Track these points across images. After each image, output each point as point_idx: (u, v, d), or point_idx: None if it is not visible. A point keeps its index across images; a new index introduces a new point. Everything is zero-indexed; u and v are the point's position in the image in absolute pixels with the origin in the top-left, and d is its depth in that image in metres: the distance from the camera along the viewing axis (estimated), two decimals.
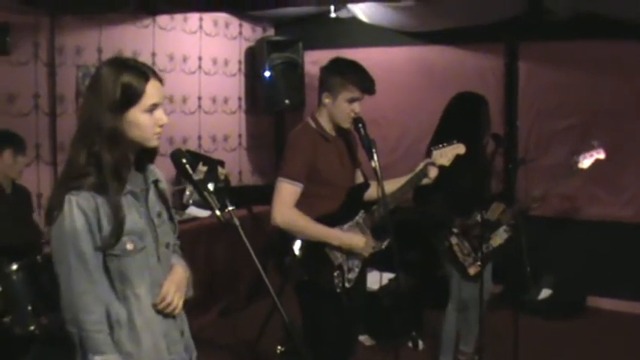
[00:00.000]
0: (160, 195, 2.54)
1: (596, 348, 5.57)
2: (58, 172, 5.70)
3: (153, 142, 2.40)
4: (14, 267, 3.98)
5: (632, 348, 5.57)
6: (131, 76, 2.32)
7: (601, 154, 4.51)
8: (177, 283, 2.53)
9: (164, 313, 2.48)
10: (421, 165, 3.86)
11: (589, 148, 4.52)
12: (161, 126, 2.39)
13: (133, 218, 2.38)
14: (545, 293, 6.45)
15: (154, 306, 2.44)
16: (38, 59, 5.56)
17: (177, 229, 2.66)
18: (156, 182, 2.54)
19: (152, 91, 2.35)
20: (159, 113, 2.38)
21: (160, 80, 2.42)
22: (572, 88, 6.54)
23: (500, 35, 6.82)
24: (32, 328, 3.95)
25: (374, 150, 3.42)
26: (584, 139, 6.40)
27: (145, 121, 2.35)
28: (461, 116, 4.63)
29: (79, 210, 2.26)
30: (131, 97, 2.31)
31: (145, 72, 2.36)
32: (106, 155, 2.30)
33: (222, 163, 6.92)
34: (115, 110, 2.30)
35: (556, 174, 4.73)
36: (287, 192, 3.58)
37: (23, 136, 4.75)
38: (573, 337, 5.83)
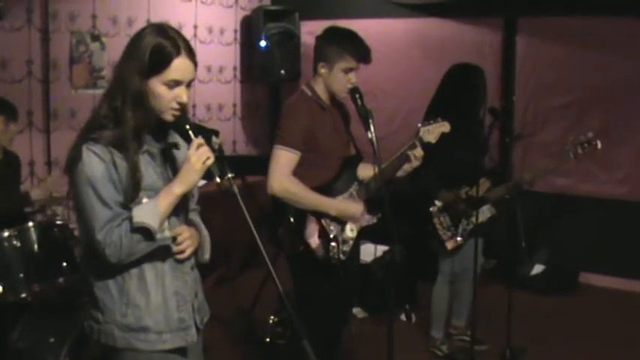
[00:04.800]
0: (179, 158, 2.53)
1: (587, 324, 5.59)
2: (51, 139, 5.68)
3: (166, 117, 2.41)
4: (6, 234, 3.94)
5: (623, 325, 5.59)
6: (163, 45, 2.34)
7: (597, 146, 4.47)
8: (193, 233, 2.56)
9: (176, 272, 2.51)
10: (406, 145, 3.77)
11: (585, 139, 4.46)
12: (180, 104, 2.38)
13: (150, 176, 2.41)
14: (537, 269, 6.46)
15: (174, 240, 2.45)
16: (32, 25, 5.50)
17: (197, 193, 2.68)
18: (175, 145, 2.54)
19: (178, 66, 2.35)
20: (180, 91, 2.38)
21: (194, 61, 2.41)
22: (570, 64, 6.50)
23: (498, 9, 6.76)
24: (24, 295, 3.92)
25: (371, 121, 3.36)
26: (582, 116, 6.42)
27: (161, 93, 2.36)
28: (456, 88, 4.61)
29: (98, 158, 2.29)
30: (156, 65, 2.33)
31: (178, 46, 2.36)
32: (129, 114, 2.34)
33: (216, 133, 6.88)
34: (141, 73, 2.33)
35: (549, 162, 4.70)
36: (284, 160, 3.55)
37: (16, 102, 4.69)
38: (565, 313, 5.84)
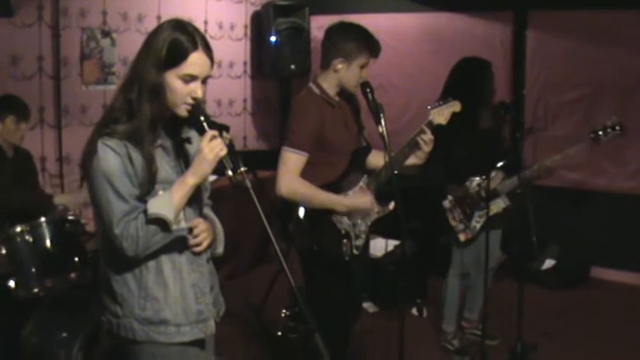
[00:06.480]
0: (191, 152, 2.54)
1: (599, 319, 5.58)
2: (62, 135, 5.70)
3: (180, 111, 2.41)
4: (18, 229, 3.96)
5: (634, 319, 5.57)
6: (180, 40, 2.36)
7: (617, 130, 4.42)
8: (208, 225, 2.57)
9: (193, 265, 2.52)
10: (416, 131, 3.76)
11: (608, 124, 4.41)
12: (195, 99, 2.39)
13: (164, 169, 2.42)
14: (548, 263, 6.44)
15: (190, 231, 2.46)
16: (42, 21, 5.52)
17: (209, 188, 2.69)
18: (188, 139, 2.56)
19: (194, 61, 2.37)
20: (195, 85, 2.39)
21: (210, 57, 2.44)
22: (581, 58, 6.47)
23: (509, 3, 6.74)
24: (36, 290, 3.93)
25: (381, 115, 3.36)
26: (592, 110, 6.39)
27: (176, 87, 2.37)
28: (461, 81, 4.61)
29: (113, 152, 2.31)
30: (173, 58, 2.35)
31: (195, 41, 2.38)
32: (145, 107, 2.35)
33: (227, 128, 6.85)
34: (158, 67, 2.35)
35: (570, 143, 4.64)
36: (292, 162, 3.54)
37: (27, 98, 4.70)
38: (576, 307, 5.83)
